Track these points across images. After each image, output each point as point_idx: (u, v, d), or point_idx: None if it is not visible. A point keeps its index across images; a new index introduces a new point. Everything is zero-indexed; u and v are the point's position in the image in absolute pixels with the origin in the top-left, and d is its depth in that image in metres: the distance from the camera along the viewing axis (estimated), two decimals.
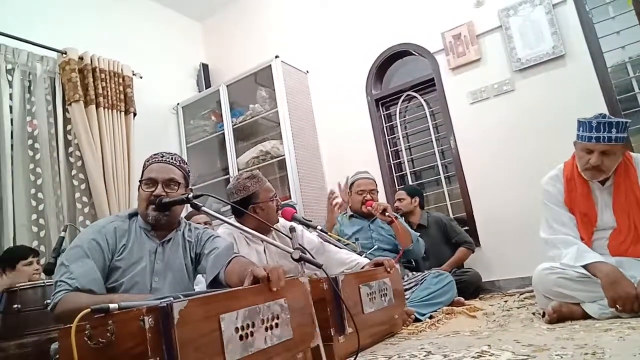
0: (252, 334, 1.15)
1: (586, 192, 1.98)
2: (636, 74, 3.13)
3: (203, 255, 1.74)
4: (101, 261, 1.56)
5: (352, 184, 3.08)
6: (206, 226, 2.03)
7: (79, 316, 0.97)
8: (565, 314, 1.82)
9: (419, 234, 2.96)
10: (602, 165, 1.88)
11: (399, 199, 3.45)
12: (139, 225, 1.70)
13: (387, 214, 2.75)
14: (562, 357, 1.22)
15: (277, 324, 1.25)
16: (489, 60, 3.53)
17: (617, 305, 1.70)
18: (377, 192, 3.07)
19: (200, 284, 1.82)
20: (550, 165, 2.16)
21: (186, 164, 1.81)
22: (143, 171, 1.74)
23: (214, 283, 1.60)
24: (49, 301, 1.53)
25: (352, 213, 3.07)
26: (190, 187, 1.81)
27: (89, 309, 0.98)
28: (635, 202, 1.90)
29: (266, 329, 1.20)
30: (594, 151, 1.87)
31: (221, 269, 1.59)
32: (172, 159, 1.75)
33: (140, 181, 1.72)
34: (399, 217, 2.90)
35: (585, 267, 1.82)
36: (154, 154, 1.76)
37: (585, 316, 1.80)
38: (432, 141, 3.86)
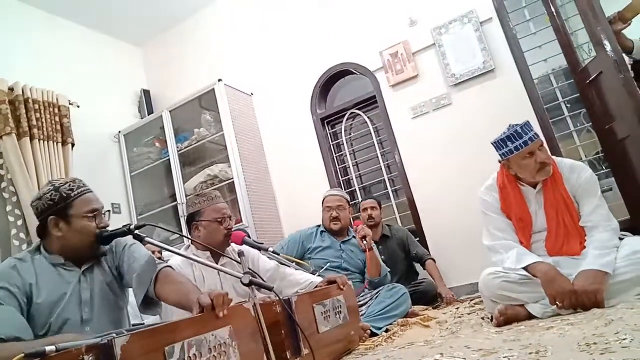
0: None
1: (519, 197, 2.10)
2: (559, 84, 3.37)
3: (122, 268, 1.66)
4: (18, 307, 1.43)
5: (323, 201, 3.13)
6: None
7: None
8: (511, 316, 1.89)
9: (388, 270, 2.92)
10: (546, 158, 2.01)
11: (370, 207, 3.34)
12: (50, 262, 1.58)
13: (364, 242, 2.73)
14: (509, 359, 1.27)
15: (225, 352, 1.22)
16: (426, 77, 3.68)
17: (557, 302, 1.79)
18: (346, 208, 3.06)
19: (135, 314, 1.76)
20: (491, 172, 2.26)
21: None
22: (71, 202, 1.59)
23: (146, 299, 1.54)
24: None
25: (323, 229, 3.08)
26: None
27: (22, 354, 0.92)
28: (562, 201, 2.03)
29: (214, 358, 1.18)
30: (534, 151, 2.00)
31: (149, 286, 1.52)
32: (88, 186, 1.69)
33: (80, 215, 1.58)
34: (374, 247, 2.86)
35: (525, 268, 1.91)
36: (74, 183, 1.66)
37: (530, 316, 1.88)
38: (377, 156, 3.96)
